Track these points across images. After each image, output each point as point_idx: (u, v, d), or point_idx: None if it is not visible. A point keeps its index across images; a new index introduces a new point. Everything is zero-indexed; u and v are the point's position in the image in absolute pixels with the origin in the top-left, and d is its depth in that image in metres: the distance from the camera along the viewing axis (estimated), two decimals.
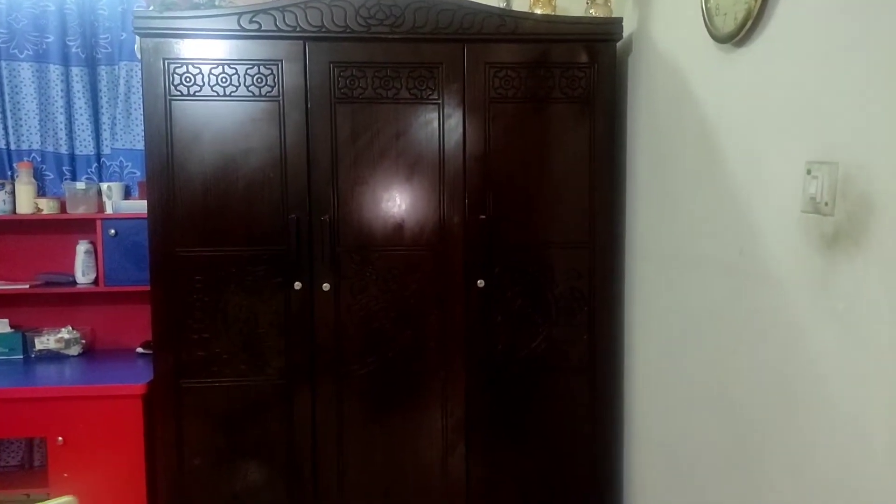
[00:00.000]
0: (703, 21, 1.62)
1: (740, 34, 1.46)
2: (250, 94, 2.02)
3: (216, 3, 2.05)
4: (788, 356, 1.34)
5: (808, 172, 1.24)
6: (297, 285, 2.06)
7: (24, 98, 2.53)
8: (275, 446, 2.11)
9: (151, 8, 2.01)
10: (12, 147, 2.53)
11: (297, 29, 1.99)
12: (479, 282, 2.11)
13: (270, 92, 2.02)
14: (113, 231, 2.38)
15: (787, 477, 1.35)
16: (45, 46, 2.52)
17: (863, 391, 1.13)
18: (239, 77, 2.01)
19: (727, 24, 1.51)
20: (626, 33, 2.14)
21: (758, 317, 1.45)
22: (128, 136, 2.57)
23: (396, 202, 2.10)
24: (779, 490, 1.38)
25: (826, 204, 1.19)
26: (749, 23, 1.42)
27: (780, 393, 1.37)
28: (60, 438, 2.07)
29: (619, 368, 2.27)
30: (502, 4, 2.21)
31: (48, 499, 2.02)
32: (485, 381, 2.15)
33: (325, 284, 2.07)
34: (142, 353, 2.47)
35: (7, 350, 2.45)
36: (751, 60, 1.47)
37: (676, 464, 1.89)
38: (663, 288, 1.96)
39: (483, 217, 2.10)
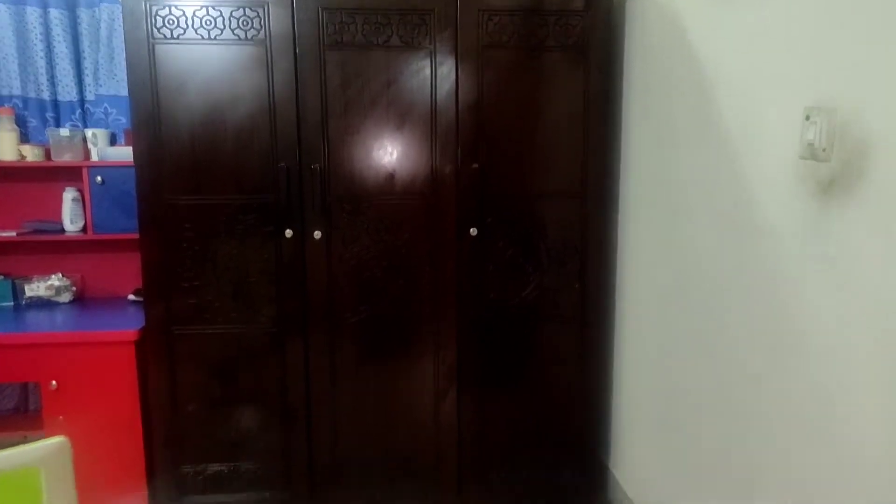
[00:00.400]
0: None
1: None
2: (236, 37, 1.97)
3: None
4: (779, 301, 1.36)
5: (807, 118, 1.24)
6: (288, 233, 2.05)
7: (1, 42, 2.45)
8: (268, 393, 2.15)
9: None
10: None
11: None
12: (471, 230, 2.11)
13: (257, 35, 1.97)
14: (100, 179, 2.35)
15: (775, 421, 1.39)
16: None
17: (852, 334, 1.16)
18: (224, 19, 1.96)
19: None
20: None
21: (750, 263, 1.47)
22: (112, 81, 2.51)
23: (388, 151, 2.08)
24: (765, 434, 1.42)
25: (823, 150, 1.20)
26: None
27: (770, 338, 1.40)
28: (54, 383, 2.08)
29: (610, 317, 2.31)
30: None
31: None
32: (476, 329, 2.18)
33: (316, 233, 2.06)
34: (133, 301, 2.48)
35: None
36: (749, 3, 1.44)
37: (665, 410, 1.94)
38: (656, 238, 1.97)
39: (475, 166, 2.09)
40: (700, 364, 1.71)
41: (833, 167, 1.19)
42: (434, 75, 2.05)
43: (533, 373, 2.24)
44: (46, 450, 1.20)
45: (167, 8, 1.94)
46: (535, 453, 2.27)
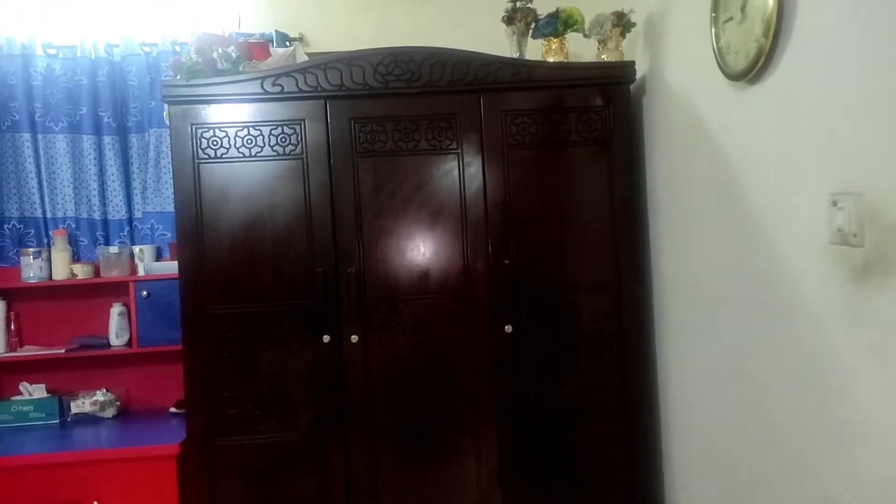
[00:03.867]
0: (714, 60, 1.65)
1: (753, 71, 1.48)
2: (275, 153, 2.08)
3: (240, 68, 2.13)
4: (825, 389, 1.31)
5: (834, 204, 1.23)
6: (326, 338, 2.07)
7: (58, 168, 2.62)
8: (309, 500, 2.09)
9: (178, 77, 2.09)
10: (48, 216, 2.62)
11: (318, 89, 2.06)
12: (506, 327, 2.10)
13: (294, 150, 2.08)
14: (145, 293, 2.43)
15: None
16: (78, 118, 2.62)
17: None
18: (263, 138, 2.07)
19: (739, 62, 1.53)
20: (638, 74, 2.17)
21: (792, 351, 1.42)
22: (158, 199, 2.64)
23: (421, 251, 2.12)
24: None
25: (855, 235, 1.18)
26: (762, 60, 1.43)
27: (819, 427, 1.34)
28: (95, 503, 2.07)
29: (654, 409, 2.22)
30: (515, 55, 2.26)
31: None
32: (516, 427, 2.12)
33: (353, 336, 2.08)
34: (175, 413, 2.49)
35: (44, 415, 2.48)
36: (766, 96, 1.48)
37: (718, 502, 1.83)
38: (693, 325, 1.93)
39: (507, 262, 2.10)
40: (748, 453, 1.63)
41: (867, 251, 1.16)
42: (462, 176, 2.11)
43: (579, 472, 2.14)
44: None
45: (211, 130, 2.07)
46: None
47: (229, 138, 2.07)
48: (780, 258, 1.45)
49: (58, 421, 2.48)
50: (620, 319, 2.14)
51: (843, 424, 1.27)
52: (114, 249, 2.52)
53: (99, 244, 2.63)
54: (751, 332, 1.59)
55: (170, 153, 2.12)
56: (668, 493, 2.19)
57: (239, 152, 2.07)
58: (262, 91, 2.06)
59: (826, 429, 1.32)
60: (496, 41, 2.26)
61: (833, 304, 1.27)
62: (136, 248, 2.55)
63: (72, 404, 2.48)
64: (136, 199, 2.67)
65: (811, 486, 1.38)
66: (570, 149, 2.14)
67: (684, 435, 2.05)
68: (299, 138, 2.08)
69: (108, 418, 2.48)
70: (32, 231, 2.62)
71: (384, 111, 2.10)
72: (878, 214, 1.13)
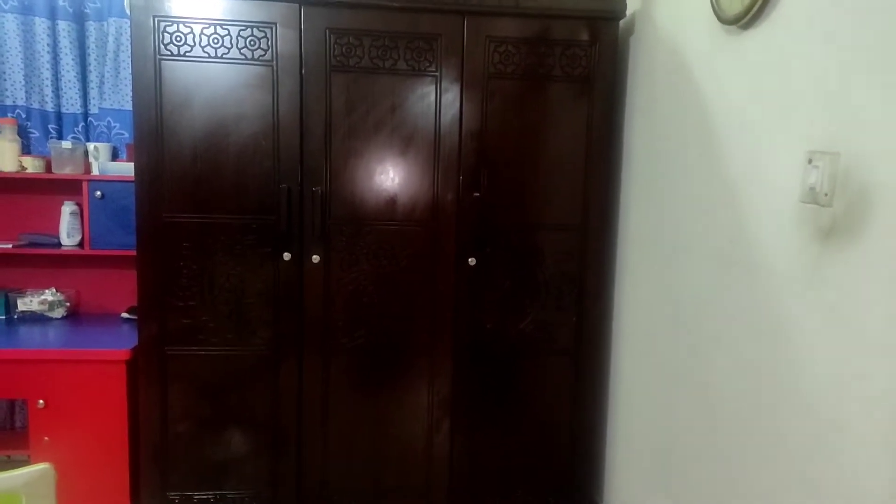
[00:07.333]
0: (709, 1, 1.59)
1: (747, 16, 1.43)
2: (242, 56, 1.96)
3: None
4: (773, 345, 1.34)
5: (810, 162, 1.22)
6: (287, 256, 2.03)
7: (8, 51, 2.45)
8: (260, 416, 2.11)
9: None
10: None
11: None
12: (469, 260, 2.09)
13: (263, 56, 1.97)
14: (99, 193, 2.33)
15: (764, 466, 1.36)
16: None
17: (848, 384, 1.13)
18: (231, 38, 1.95)
19: (734, 6, 1.48)
20: (629, 11, 2.10)
21: (746, 305, 1.44)
22: (116, 95, 2.50)
23: (390, 176, 2.06)
24: (753, 477, 1.40)
25: (826, 195, 1.18)
26: (757, 5, 1.39)
27: (762, 382, 1.37)
28: (41, 402, 2.05)
29: (606, 352, 2.28)
30: None
31: (28, 461, 2.01)
32: (472, 359, 2.15)
33: (314, 256, 2.04)
34: (127, 319, 2.45)
35: None
36: (756, 44, 1.44)
37: (657, 447, 1.91)
38: (653, 273, 1.95)
39: (477, 195, 2.07)
40: (693, 404, 1.68)
41: (834, 212, 1.17)
42: (438, 102, 2.04)
43: (527, 406, 2.20)
44: (30, 476, 1.18)
45: (175, 24, 1.93)
46: (526, 489, 2.23)
47: (194, 35, 1.94)
48: (749, 212, 1.45)
49: (3, 317, 2.42)
50: (583, 262, 2.15)
51: (782, 381, 1.31)
52: (67, 144, 2.39)
53: (51, 138, 2.49)
54: (708, 284, 1.62)
55: (130, 47, 1.98)
56: (610, 432, 2.27)
57: (204, 51, 1.95)
58: None
59: (765, 385, 1.36)
60: None
61: (795, 263, 1.28)
62: (91, 146, 2.43)
63: (19, 301, 2.42)
64: (93, 93, 2.52)
65: (745, 440, 1.44)
66: (551, 84, 2.08)
67: (632, 380, 2.11)
68: (269, 43, 1.97)
69: (56, 318, 2.43)
70: None
71: (363, 24, 1.99)
72: (851, 176, 1.13)
